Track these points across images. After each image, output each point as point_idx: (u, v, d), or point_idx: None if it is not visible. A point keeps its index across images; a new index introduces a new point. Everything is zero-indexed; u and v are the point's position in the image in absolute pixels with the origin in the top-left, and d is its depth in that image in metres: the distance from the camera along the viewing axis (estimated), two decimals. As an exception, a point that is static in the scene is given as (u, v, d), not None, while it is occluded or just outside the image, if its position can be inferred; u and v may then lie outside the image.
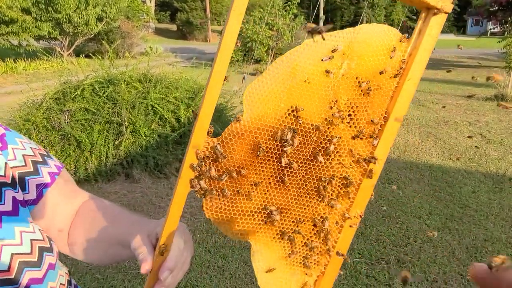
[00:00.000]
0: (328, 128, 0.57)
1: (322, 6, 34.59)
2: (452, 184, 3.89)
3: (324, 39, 0.52)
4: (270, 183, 0.58)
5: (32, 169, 0.67)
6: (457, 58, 16.56)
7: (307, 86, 0.55)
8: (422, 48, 0.56)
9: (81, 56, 12.79)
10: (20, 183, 0.65)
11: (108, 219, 0.71)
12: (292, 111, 0.55)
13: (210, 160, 0.53)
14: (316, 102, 0.56)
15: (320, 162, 0.58)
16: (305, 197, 0.60)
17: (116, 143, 4.07)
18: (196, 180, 0.52)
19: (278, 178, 0.57)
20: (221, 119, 4.75)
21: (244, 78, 9.30)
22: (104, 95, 4.21)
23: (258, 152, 0.54)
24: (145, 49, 15.94)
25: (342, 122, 0.57)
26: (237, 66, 12.82)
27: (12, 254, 0.56)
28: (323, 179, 0.59)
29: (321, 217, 0.61)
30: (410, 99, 0.58)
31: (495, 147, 4.99)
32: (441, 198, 3.59)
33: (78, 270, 2.56)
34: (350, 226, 0.63)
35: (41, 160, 0.71)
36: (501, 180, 4.01)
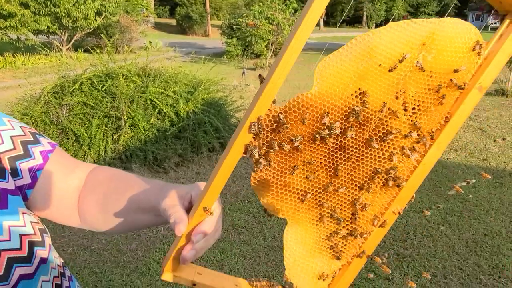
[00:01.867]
0: (389, 118, 0.55)
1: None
2: (452, 179, 3.88)
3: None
4: (321, 163, 0.56)
5: (22, 152, 0.63)
6: (457, 53, 16.51)
7: (380, 71, 0.52)
8: (501, 52, 0.53)
9: (80, 50, 12.78)
10: (11, 169, 0.62)
11: (126, 186, 0.67)
12: (360, 93, 0.52)
13: (268, 129, 0.51)
14: (384, 89, 0.53)
15: (374, 151, 0.56)
16: (351, 184, 0.58)
17: (114, 137, 4.06)
18: (251, 145, 0.51)
19: (329, 160, 0.56)
20: (220, 113, 4.73)
21: (243, 72, 9.26)
22: (103, 89, 4.19)
23: (321, 132, 0.52)
24: (144, 43, 15.89)
25: (405, 114, 0.55)
26: (237, 60, 12.76)
27: (0, 251, 0.53)
28: (373, 169, 0.58)
29: (362, 206, 0.60)
30: (476, 102, 0.55)
31: (495, 141, 4.97)
32: (440, 193, 3.58)
33: (76, 264, 2.55)
34: (382, 224, 0.62)
35: (32, 139, 0.66)
36: (501, 174, 4.00)
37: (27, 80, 5.37)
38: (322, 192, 0.58)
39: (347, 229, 0.62)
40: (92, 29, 14.36)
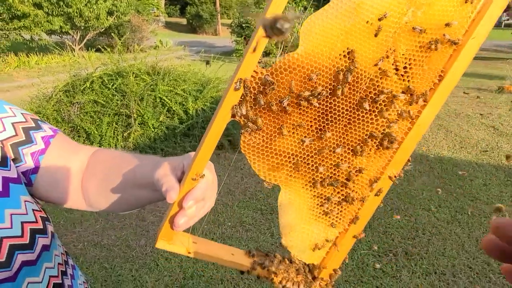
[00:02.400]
0: (380, 78, 0.53)
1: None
2: (462, 177, 3.83)
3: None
4: (311, 126, 0.55)
5: (24, 138, 0.64)
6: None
7: (368, 29, 0.50)
8: (494, 5, 0.50)
9: (92, 50, 12.93)
10: (14, 154, 0.62)
11: (123, 164, 0.68)
12: (348, 53, 0.51)
13: (256, 91, 0.51)
14: (374, 48, 0.52)
15: (366, 113, 0.55)
16: (343, 148, 0.57)
17: (125, 135, 4.11)
18: (238, 107, 0.50)
19: (320, 123, 0.55)
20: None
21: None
22: (113, 88, 4.24)
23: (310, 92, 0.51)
24: (155, 42, 16.00)
25: (396, 74, 0.53)
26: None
27: (2, 238, 0.54)
28: (366, 131, 0.56)
29: (357, 170, 0.59)
30: (470, 59, 0.53)
31: (508, 139, 4.89)
32: (451, 191, 3.54)
33: (86, 260, 2.59)
34: (378, 192, 0.61)
35: (33, 125, 0.67)
36: (513, 173, 3.94)
37: (40, 79, 5.47)
38: (314, 156, 0.57)
39: (342, 194, 0.61)
40: (103, 29, 14.52)
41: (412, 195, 3.47)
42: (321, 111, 0.54)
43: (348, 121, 0.55)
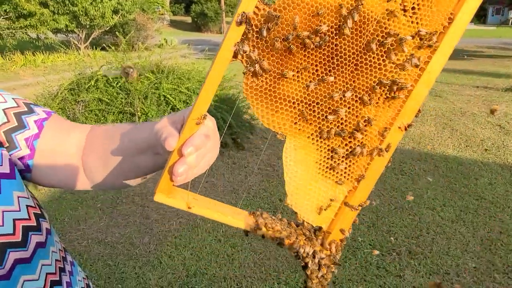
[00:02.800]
0: (388, 19, 0.51)
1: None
2: (467, 176, 3.81)
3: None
4: (317, 71, 0.52)
5: (16, 123, 0.62)
6: (476, 48, 16.11)
7: None
8: None
9: (97, 48, 12.99)
10: (7, 142, 0.61)
11: (121, 133, 0.65)
12: None
13: (258, 28, 0.49)
14: None
15: (374, 57, 0.52)
16: (352, 92, 0.54)
17: (129, 133, 4.12)
18: (240, 44, 0.48)
19: (326, 67, 0.52)
20: (233, 110, 4.75)
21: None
22: (118, 86, 4.26)
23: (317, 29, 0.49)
24: (159, 41, 16.04)
25: (404, 14, 0.51)
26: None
27: (14, 220, 0.55)
28: (374, 78, 0.53)
29: (366, 120, 0.55)
30: (480, 1, 0.51)
31: (514, 138, 4.85)
32: (455, 190, 3.52)
33: (90, 257, 2.61)
34: (387, 147, 0.56)
35: (26, 109, 0.65)
36: (519, 172, 3.90)
37: (46, 78, 5.50)
38: (320, 104, 0.54)
39: (350, 146, 0.57)
40: (109, 27, 14.58)
41: (417, 194, 3.45)
42: (327, 54, 0.52)
43: (355, 66, 0.53)
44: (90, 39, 14.54)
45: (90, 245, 2.75)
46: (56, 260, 0.65)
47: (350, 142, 0.57)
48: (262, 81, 0.52)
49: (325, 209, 0.60)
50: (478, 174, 3.86)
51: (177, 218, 3.06)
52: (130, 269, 2.49)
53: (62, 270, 0.67)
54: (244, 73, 0.51)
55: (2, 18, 12.14)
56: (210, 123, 0.54)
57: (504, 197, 3.37)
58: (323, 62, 0.52)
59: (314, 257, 0.60)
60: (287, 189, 0.58)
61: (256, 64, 0.50)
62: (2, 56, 11.84)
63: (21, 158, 0.63)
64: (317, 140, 0.57)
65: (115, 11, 14.30)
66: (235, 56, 0.49)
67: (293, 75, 0.52)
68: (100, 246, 2.74)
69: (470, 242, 2.72)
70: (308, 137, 0.57)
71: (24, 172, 0.65)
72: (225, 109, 4.55)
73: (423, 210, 3.16)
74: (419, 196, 3.41)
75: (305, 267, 0.61)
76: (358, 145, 0.57)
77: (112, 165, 0.66)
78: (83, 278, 0.79)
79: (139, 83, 4.25)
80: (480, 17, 38.89)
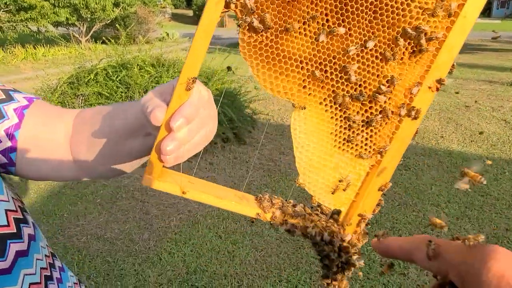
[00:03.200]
0: None
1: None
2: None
3: None
4: (327, 21, 0.44)
5: None
6: (481, 42, 15.95)
7: None
8: None
9: (98, 42, 12.93)
10: None
11: (111, 113, 0.58)
12: None
13: None
14: None
15: (396, 0, 0.44)
16: (374, 42, 0.45)
17: (129, 127, 4.08)
18: None
19: (338, 15, 0.44)
20: (234, 104, 4.69)
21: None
22: (117, 80, 4.20)
23: None
24: (161, 34, 15.94)
25: None
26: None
27: (7, 211, 0.51)
28: (396, 28, 0.45)
29: (388, 80, 0.47)
30: None
31: (520, 133, 4.78)
32: (460, 186, 3.46)
33: (89, 253, 2.57)
34: (416, 113, 0.48)
35: (4, 97, 0.59)
36: (525, 167, 3.84)
37: (45, 71, 5.45)
38: (333, 61, 0.46)
39: (371, 113, 0.48)
40: (110, 20, 14.49)
41: (421, 189, 3.39)
42: (338, 0, 0.44)
43: (373, 14, 0.45)
44: (91, 32, 14.46)
45: (89, 241, 2.72)
46: (45, 255, 0.60)
47: (370, 107, 0.48)
48: (261, 35, 0.44)
49: (344, 189, 0.52)
50: (484, 169, 3.79)
51: (177, 214, 3.02)
52: (129, 265, 2.46)
53: (48, 278, 0.62)
54: (238, 25, 0.43)
55: (3, 11, 12.08)
56: (205, 92, 0.47)
57: (510, 193, 3.31)
58: (335, 10, 0.44)
59: (332, 244, 0.51)
60: (298, 167, 0.50)
61: (254, 15, 0.42)
62: (2, 50, 11.78)
63: (2, 152, 0.57)
64: (331, 107, 0.48)
65: (116, 4, 14.20)
66: (227, 6, 0.41)
67: (299, 28, 0.44)
68: (99, 242, 2.70)
69: (476, 239, 2.67)
70: (321, 103, 0.48)
71: (7, 166, 0.59)
72: (226, 103, 4.49)
73: (427, 207, 3.11)
74: (423, 192, 3.35)
75: (324, 258, 0.52)
76: (381, 111, 0.48)
77: (102, 152, 0.59)
78: (74, 283, 0.74)
79: (139, 77, 4.19)
80: (485, 10, 38.40)
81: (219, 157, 4.17)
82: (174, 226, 2.88)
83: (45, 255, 0.64)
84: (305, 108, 0.48)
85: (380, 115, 0.48)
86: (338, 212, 0.53)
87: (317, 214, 0.53)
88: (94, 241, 2.72)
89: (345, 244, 0.51)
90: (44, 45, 12.99)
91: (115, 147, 0.57)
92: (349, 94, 0.47)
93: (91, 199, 3.28)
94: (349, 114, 0.48)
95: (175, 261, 2.49)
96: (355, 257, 0.51)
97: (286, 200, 0.53)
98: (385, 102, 0.48)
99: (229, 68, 5.93)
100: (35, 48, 12.59)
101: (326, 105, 0.48)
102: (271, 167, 3.87)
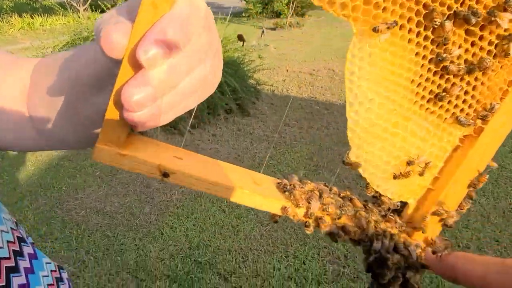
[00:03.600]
0: None
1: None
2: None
3: None
4: None
5: None
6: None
7: None
8: None
9: (97, 11, 12.52)
10: None
11: (73, 58, 0.39)
12: None
13: None
14: None
15: None
16: None
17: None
18: None
19: None
20: (238, 73, 4.50)
21: (263, 32, 8.86)
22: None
23: None
24: None
25: None
26: (256, 19, 12.23)
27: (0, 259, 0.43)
28: None
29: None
30: None
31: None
32: (474, 159, 3.32)
33: (88, 227, 2.48)
34: None
35: None
36: (541, 139, 3.68)
37: (41, 41, 5.25)
38: None
39: (481, 47, 0.31)
40: (108, -12, 14.01)
41: (432, 162, 3.26)
42: None
43: None
44: (89, 0, 14.01)
45: (88, 214, 2.62)
46: (48, 285, 0.51)
47: (481, 38, 0.31)
48: None
49: (418, 173, 0.34)
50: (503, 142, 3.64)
51: (179, 187, 2.91)
52: (129, 240, 2.37)
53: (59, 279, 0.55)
54: None
55: (-3, -22, 11.66)
56: (201, 2, 0.27)
57: (526, 166, 3.17)
58: None
59: (401, 258, 0.35)
60: (351, 137, 0.32)
61: None
62: (-1, 19, 11.47)
63: None
64: (418, 34, 0.30)
65: (115, -29, 13.68)
66: None
67: None
68: (99, 216, 2.61)
69: (491, 214, 2.55)
70: (401, 26, 0.30)
71: None
72: (229, 73, 4.30)
73: (439, 180, 2.98)
74: (435, 164, 3.22)
75: (379, 271, 0.35)
76: (496, 45, 0.31)
77: (60, 111, 0.41)
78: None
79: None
80: None
81: (222, 128, 4.03)
82: (176, 199, 2.78)
83: (51, 270, 0.56)
84: (379, 30, 0.28)
85: (493, 58, 0.30)
86: (403, 206, 0.36)
87: (373, 209, 0.36)
88: (93, 215, 2.62)
89: (414, 260, 0.35)
90: (41, 15, 12.63)
91: (75, 104, 0.39)
92: (453, 11, 0.29)
93: (90, 171, 3.17)
94: (445, 48, 0.30)
95: (177, 236, 2.39)
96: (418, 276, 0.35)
97: (326, 186, 0.35)
98: (505, 30, 0.30)
99: (240, 37, 5.67)
100: (32, 18, 12.23)
101: (410, 30, 0.30)
102: (276, 139, 3.73)
